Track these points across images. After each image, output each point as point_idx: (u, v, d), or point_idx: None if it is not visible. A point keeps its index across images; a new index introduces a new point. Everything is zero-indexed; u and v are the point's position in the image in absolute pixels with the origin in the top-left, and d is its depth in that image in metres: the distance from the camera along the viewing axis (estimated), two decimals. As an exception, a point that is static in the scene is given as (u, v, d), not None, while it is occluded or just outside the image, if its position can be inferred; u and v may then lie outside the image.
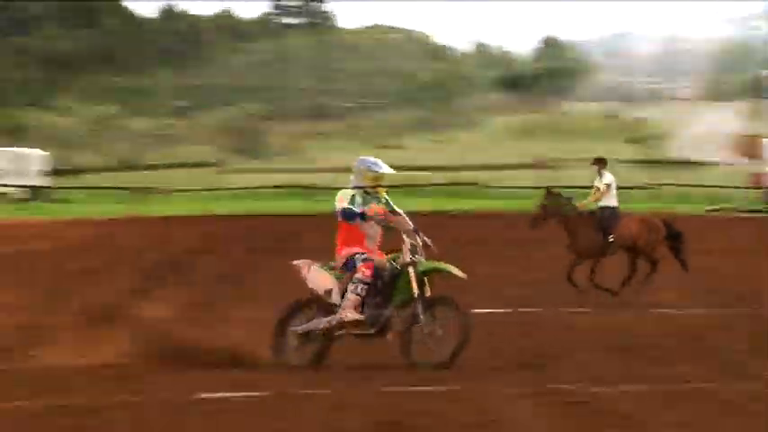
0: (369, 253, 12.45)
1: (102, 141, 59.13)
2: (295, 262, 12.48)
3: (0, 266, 19.45)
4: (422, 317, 12.16)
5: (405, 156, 49.75)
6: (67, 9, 66.55)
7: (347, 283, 12.38)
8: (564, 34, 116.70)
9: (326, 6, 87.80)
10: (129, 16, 78.86)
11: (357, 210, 12.49)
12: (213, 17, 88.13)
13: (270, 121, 60.66)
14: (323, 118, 67.86)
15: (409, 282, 12.33)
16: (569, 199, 15.59)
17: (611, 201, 15.50)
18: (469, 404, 9.12)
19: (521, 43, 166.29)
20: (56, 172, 45.50)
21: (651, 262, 15.52)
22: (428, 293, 12.34)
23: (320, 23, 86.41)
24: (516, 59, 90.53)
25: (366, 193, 12.60)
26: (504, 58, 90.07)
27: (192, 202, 40.80)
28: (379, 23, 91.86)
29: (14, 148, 45.50)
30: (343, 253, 12.35)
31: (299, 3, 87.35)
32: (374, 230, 12.50)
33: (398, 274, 12.41)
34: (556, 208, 15.39)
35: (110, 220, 32.89)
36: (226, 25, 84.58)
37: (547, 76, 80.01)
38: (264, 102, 66.80)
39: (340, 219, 12.53)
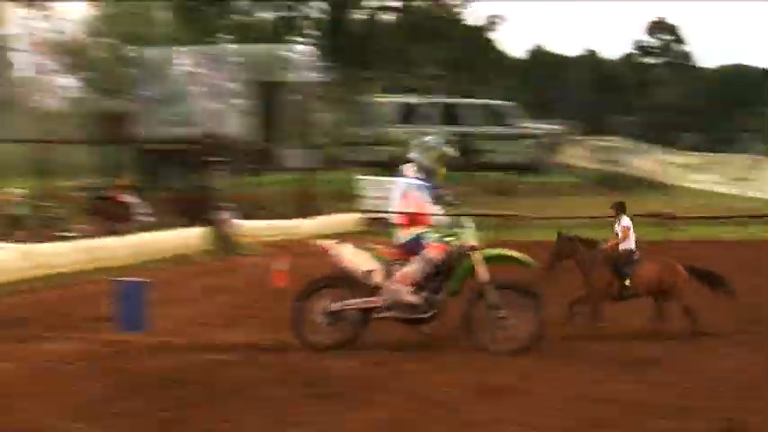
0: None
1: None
2: (322, 242, 11.96)
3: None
4: (492, 302, 11.36)
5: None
6: (441, 48, 67.20)
7: (400, 264, 11.58)
8: None
9: (687, 46, 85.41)
10: (498, 55, 79.23)
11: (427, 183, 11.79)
12: (578, 57, 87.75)
13: (632, 153, 58.95)
14: (685, 150, 65.44)
15: (468, 268, 11.47)
16: (586, 241, 14.42)
17: (628, 244, 14.50)
18: None
19: None
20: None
21: (684, 309, 13.92)
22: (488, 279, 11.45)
23: (681, 63, 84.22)
24: None
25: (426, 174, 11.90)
26: None
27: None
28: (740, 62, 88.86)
29: (386, 178, 46.42)
30: (410, 231, 11.56)
31: (661, 43, 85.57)
32: (436, 209, 11.72)
33: (458, 259, 11.56)
34: (569, 251, 14.24)
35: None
36: (590, 64, 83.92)
37: None
38: (627, 135, 65.17)
39: (412, 191, 11.66)
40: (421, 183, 11.85)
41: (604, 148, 54.27)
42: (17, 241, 24.21)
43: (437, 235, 11.70)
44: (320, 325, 11.80)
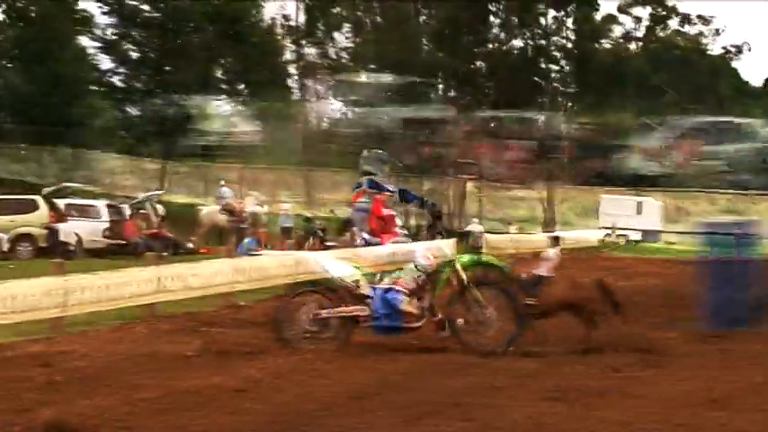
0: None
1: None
2: (304, 253, 11.60)
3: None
4: (477, 301, 11.07)
5: None
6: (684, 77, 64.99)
7: (381, 274, 11.25)
8: None
9: None
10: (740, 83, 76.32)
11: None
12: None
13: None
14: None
15: (449, 275, 11.27)
16: (502, 268, 13.41)
17: (540, 270, 14.45)
18: None
19: None
20: (668, 218, 45.87)
21: (585, 322, 13.02)
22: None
23: None
24: None
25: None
26: None
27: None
28: None
29: (635, 197, 46.44)
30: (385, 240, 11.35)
31: None
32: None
33: (441, 267, 11.32)
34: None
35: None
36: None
37: None
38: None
39: (398, 201, 11.41)
40: (394, 193, 11.86)
41: None
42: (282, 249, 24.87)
43: (425, 245, 11.74)
44: (306, 330, 11.51)
